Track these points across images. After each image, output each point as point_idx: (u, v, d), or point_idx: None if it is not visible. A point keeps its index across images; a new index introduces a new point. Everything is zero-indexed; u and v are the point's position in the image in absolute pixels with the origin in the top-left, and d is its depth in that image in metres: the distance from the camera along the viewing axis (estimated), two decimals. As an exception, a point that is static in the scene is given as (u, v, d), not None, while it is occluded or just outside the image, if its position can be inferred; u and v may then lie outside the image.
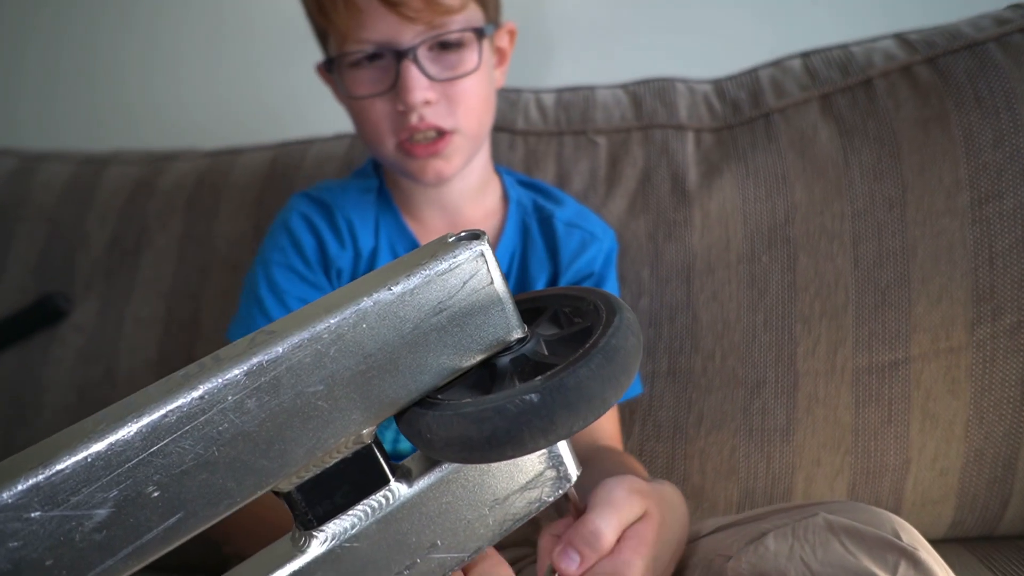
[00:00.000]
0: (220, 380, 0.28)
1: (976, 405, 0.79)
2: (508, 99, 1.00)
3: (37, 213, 1.06)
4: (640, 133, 0.94)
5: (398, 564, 0.35)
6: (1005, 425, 0.78)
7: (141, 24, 1.41)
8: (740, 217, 0.87)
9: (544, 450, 0.38)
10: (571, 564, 0.43)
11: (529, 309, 0.41)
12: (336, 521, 0.34)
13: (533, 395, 0.30)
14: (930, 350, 0.79)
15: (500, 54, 0.79)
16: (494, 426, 0.31)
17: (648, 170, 0.91)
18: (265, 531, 0.41)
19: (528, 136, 0.97)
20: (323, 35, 0.74)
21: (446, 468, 0.36)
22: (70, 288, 1.02)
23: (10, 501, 0.25)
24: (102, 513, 0.27)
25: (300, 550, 0.33)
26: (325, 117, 1.06)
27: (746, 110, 0.92)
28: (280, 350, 0.29)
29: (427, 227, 0.80)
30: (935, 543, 0.48)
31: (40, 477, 0.26)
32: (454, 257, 0.33)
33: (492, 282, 0.34)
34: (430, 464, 0.36)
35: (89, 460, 0.26)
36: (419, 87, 0.67)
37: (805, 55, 0.94)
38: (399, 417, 0.34)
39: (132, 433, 0.27)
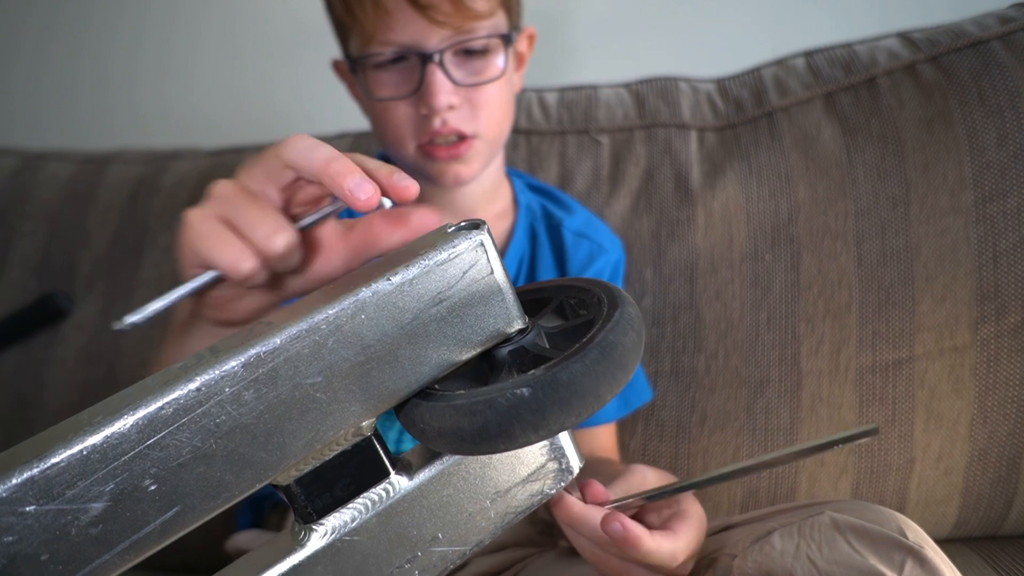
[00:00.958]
0: (217, 372, 0.28)
1: (980, 404, 0.78)
2: (511, 99, 1.00)
3: (39, 212, 1.06)
4: (643, 132, 0.93)
5: (399, 557, 0.35)
6: (1009, 424, 0.78)
7: (144, 24, 1.41)
8: (743, 216, 0.87)
9: (546, 442, 0.37)
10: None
11: (534, 300, 0.40)
12: (336, 514, 0.33)
13: (524, 389, 0.30)
14: (934, 349, 0.79)
15: (519, 58, 0.78)
16: (485, 419, 0.30)
17: (651, 169, 0.91)
18: None
19: (531, 135, 0.96)
20: (344, 33, 0.73)
21: (447, 460, 0.35)
22: (72, 287, 1.02)
23: (4, 495, 0.25)
24: (98, 507, 0.27)
25: (300, 544, 0.33)
26: (328, 115, 1.06)
27: (749, 109, 0.91)
28: (278, 341, 0.29)
29: None
30: (939, 543, 0.48)
31: (35, 471, 0.25)
32: (454, 247, 0.33)
33: (492, 272, 0.34)
34: (431, 456, 0.35)
35: (85, 453, 0.26)
36: (444, 92, 0.67)
37: (808, 54, 0.94)
38: (398, 408, 0.34)
39: (128, 426, 0.27)
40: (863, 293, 0.81)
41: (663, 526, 0.49)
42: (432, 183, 0.74)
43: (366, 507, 0.34)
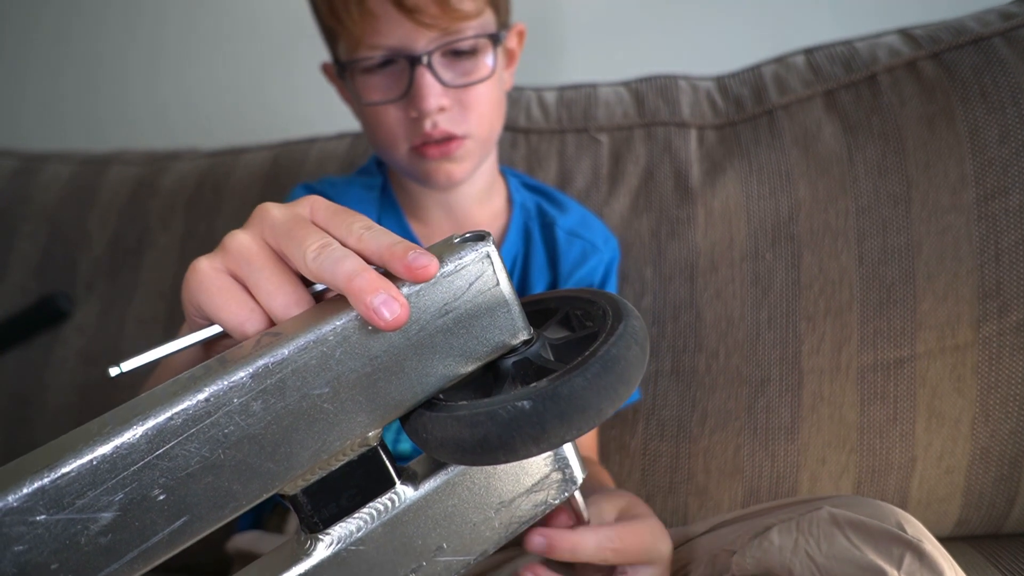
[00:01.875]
0: (226, 383, 0.28)
1: (982, 403, 0.78)
2: (510, 97, 1.00)
3: (38, 213, 1.06)
4: (643, 130, 0.93)
5: (404, 567, 0.35)
6: (1012, 423, 0.78)
7: (142, 25, 1.41)
8: (744, 214, 0.86)
9: (550, 453, 0.37)
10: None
11: (541, 310, 0.40)
12: (342, 524, 0.33)
13: (525, 402, 0.30)
14: (936, 347, 0.79)
15: (509, 55, 0.78)
16: (486, 431, 0.30)
17: (651, 168, 0.91)
18: None
19: (530, 134, 0.96)
20: (332, 37, 0.72)
21: (452, 471, 0.35)
22: (72, 289, 1.02)
23: (15, 504, 0.25)
24: (107, 516, 0.27)
25: (306, 553, 0.33)
26: (326, 116, 1.06)
27: (749, 107, 0.91)
28: (286, 352, 0.29)
29: (431, 228, 0.79)
30: (941, 541, 0.48)
31: (45, 480, 0.25)
32: (460, 259, 0.33)
33: (498, 284, 0.34)
34: (436, 466, 0.35)
35: (95, 463, 0.26)
36: (433, 94, 0.67)
37: (808, 51, 0.94)
38: (403, 417, 0.34)
39: (138, 436, 0.27)
40: (864, 291, 0.81)
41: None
42: (424, 184, 0.74)
43: (372, 517, 0.34)
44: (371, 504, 0.34)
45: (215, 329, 0.35)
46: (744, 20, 1.24)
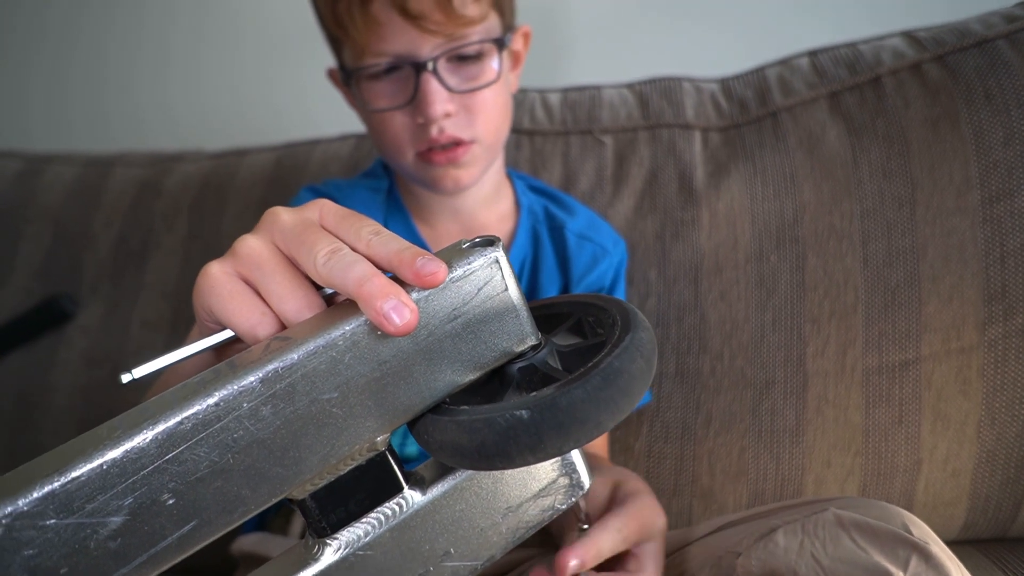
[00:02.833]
0: (235, 387, 0.28)
1: (988, 406, 0.78)
2: (514, 99, 1.00)
3: (43, 215, 1.06)
4: (647, 132, 0.93)
5: (411, 572, 0.35)
6: (1018, 426, 0.78)
7: (146, 26, 1.41)
8: (748, 216, 0.86)
9: (557, 458, 0.37)
10: None
11: (553, 314, 0.40)
12: (350, 529, 0.33)
13: (523, 411, 0.30)
14: (941, 350, 0.79)
15: (515, 57, 0.78)
16: (483, 438, 0.30)
17: (655, 170, 0.91)
18: None
19: (534, 136, 0.96)
20: (337, 44, 0.72)
21: (460, 475, 0.35)
22: (76, 290, 1.02)
23: (25, 509, 0.25)
24: (117, 521, 0.27)
25: (314, 558, 0.33)
26: (331, 117, 1.06)
27: (753, 109, 0.91)
28: (295, 357, 0.29)
29: (438, 231, 0.79)
30: (947, 545, 0.48)
31: (55, 484, 0.25)
32: (468, 264, 0.33)
33: (507, 289, 0.34)
34: (443, 471, 0.35)
35: (104, 467, 0.26)
36: (439, 100, 0.66)
37: (812, 53, 0.94)
38: (411, 420, 0.34)
39: (148, 440, 0.27)
40: (869, 294, 0.81)
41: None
42: (432, 190, 0.74)
43: (379, 522, 0.34)
44: (379, 509, 0.34)
45: (226, 333, 0.35)
46: (748, 22, 1.23)
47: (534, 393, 0.31)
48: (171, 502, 0.28)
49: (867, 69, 0.88)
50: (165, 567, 0.29)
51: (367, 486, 0.33)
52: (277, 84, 1.38)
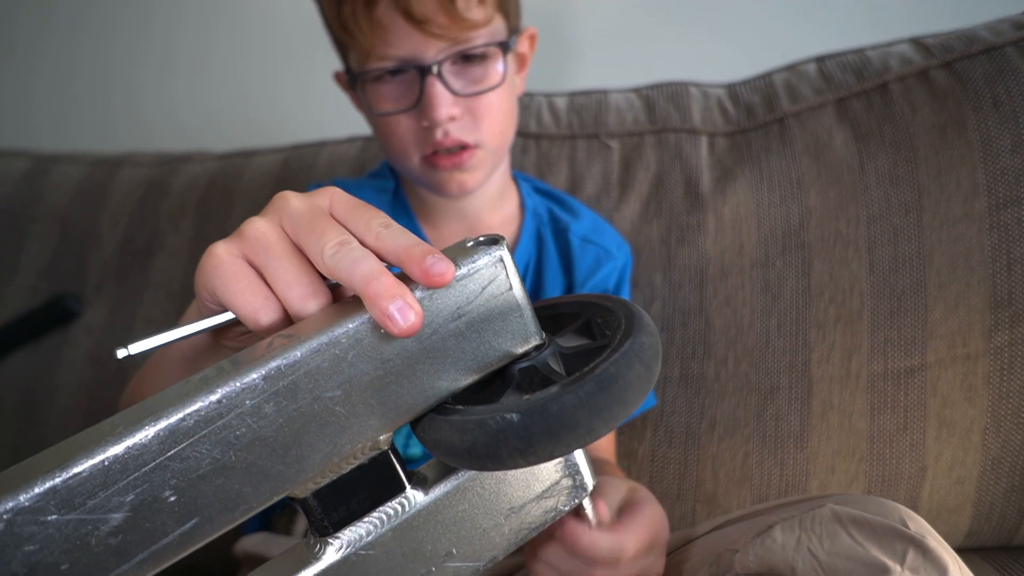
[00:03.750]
0: (238, 384, 0.28)
1: (993, 413, 0.78)
2: (520, 103, 0.99)
3: (49, 214, 1.06)
4: (653, 137, 0.93)
5: (413, 572, 0.35)
6: (1023, 433, 0.77)
7: (154, 27, 1.41)
8: (754, 222, 0.86)
9: (560, 459, 0.37)
10: None
11: (561, 315, 0.40)
12: (351, 528, 0.33)
13: (514, 415, 0.30)
14: (947, 357, 0.79)
15: (520, 60, 0.78)
16: (474, 438, 0.30)
17: (661, 174, 0.91)
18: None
19: (541, 140, 0.96)
20: (343, 48, 0.72)
21: (462, 476, 0.35)
22: (81, 289, 1.02)
23: (27, 504, 0.25)
24: (118, 517, 0.27)
25: (315, 557, 0.33)
26: (337, 119, 1.07)
27: (760, 114, 0.91)
28: (298, 354, 0.29)
29: (442, 233, 0.79)
30: (952, 552, 0.48)
31: (57, 480, 0.25)
32: (473, 262, 0.33)
33: (511, 288, 0.33)
34: (446, 471, 0.35)
35: (106, 463, 0.26)
36: (444, 103, 0.67)
37: (820, 59, 0.94)
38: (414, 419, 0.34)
39: (150, 437, 0.27)
40: (875, 300, 0.81)
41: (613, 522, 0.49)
42: (437, 193, 0.74)
43: (381, 521, 0.34)
44: (381, 508, 0.34)
45: (227, 316, 0.35)
46: (755, 28, 1.23)
47: (527, 396, 0.31)
48: (172, 499, 0.28)
49: (874, 75, 0.87)
50: (166, 564, 0.29)
51: (369, 485, 0.33)
52: (284, 86, 1.38)
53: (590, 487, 0.38)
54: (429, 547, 0.35)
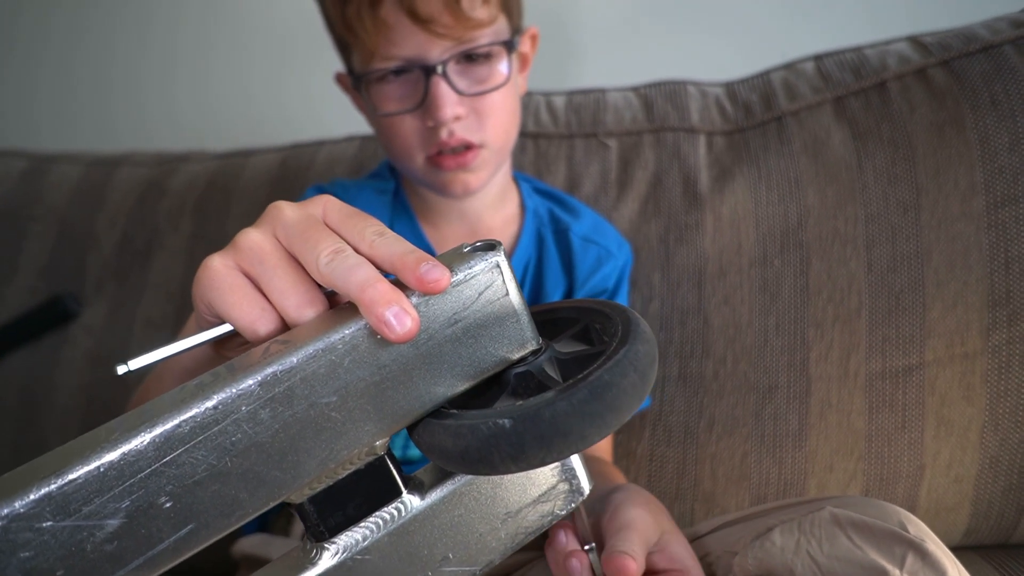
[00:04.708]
0: (234, 390, 0.28)
1: (991, 411, 0.78)
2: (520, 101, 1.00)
3: (47, 214, 1.06)
4: (651, 136, 0.93)
5: None
6: (1021, 432, 0.77)
7: (153, 27, 1.41)
8: (752, 221, 0.86)
9: (557, 464, 0.37)
10: None
11: (559, 319, 0.40)
12: (348, 533, 0.33)
13: (506, 420, 0.30)
14: (945, 355, 0.79)
15: (522, 60, 0.78)
16: (466, 443, 0.30)
17: (659, 173, 0.91)
18: None
19: (539, 139, 0.96)
20: (345, 48, 0.72)
21: (458, 480, 0.35)
22: (80, 289, 1.02)
23: (22, 511, 0.25)
24: (114, 523, 0.27)
25: (311, 562, 0.33)
26: (336, 119, 1.06)
27: (758, 113, 0.91)
28: (294, 360, 0.29)
29: (443, 234, 0.79)
30: (949, 550, 0.48)
31: (52, 486, 0.25)
32: (469, 268, 0.33)
33: (508, 293, 0.33)
34: (442, 476, 0.35)
35: (102, 470, 0.26)
36: (449, 103, 0.66)
37: (818, 57, 0.94)
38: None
39: (145, 443, 0.27)
40: (873, 299, 0.81)
41: None
42: (441, 194, 0.74)
43: (378, 526, 0.34)
44: (377, 513, 0.34)
45: (225, 328, 0.35)
46: (753, 27, 1.23)
47: (520, 402, 0.31)
48: (168, 505, 0.28)
49: (872, 74, 0.87)
50: (162, 570, 0.29)
51: (365, 490, 0.33)
52: (283, 85, 1.38)
53: (587, 491, 0.38)
54: (425, 552, 0.35)
